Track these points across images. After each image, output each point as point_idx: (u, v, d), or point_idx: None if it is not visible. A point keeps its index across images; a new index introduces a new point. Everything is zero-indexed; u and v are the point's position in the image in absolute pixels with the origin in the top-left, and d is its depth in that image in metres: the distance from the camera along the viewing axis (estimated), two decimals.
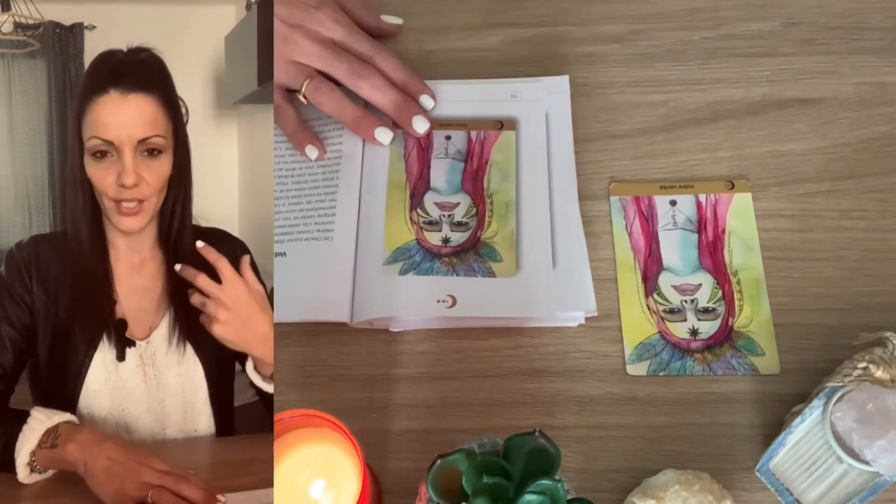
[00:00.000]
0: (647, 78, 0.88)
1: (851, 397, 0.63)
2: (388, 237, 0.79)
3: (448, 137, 0.85)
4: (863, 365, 0.64)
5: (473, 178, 0.83)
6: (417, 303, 0.76)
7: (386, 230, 0.80)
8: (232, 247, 0.86)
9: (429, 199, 0.82)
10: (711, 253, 0.79)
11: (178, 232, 0.81)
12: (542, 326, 0.76)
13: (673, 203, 0.82)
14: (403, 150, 0.84)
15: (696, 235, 0.80)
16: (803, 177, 0.82)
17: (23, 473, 0.68)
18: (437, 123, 0.85)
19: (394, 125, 0.84)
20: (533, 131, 0.84)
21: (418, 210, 0.81)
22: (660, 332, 0.76)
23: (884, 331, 0.65)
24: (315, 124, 0.87)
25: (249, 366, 0.76)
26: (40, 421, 0.69)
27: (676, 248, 0.79)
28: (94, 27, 2.68)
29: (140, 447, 0.69)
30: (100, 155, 0.74)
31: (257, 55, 1.89)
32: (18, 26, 2.50)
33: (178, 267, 0.72)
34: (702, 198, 0.82)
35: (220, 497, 0.64)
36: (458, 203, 0.81)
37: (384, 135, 0.83)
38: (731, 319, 0.76)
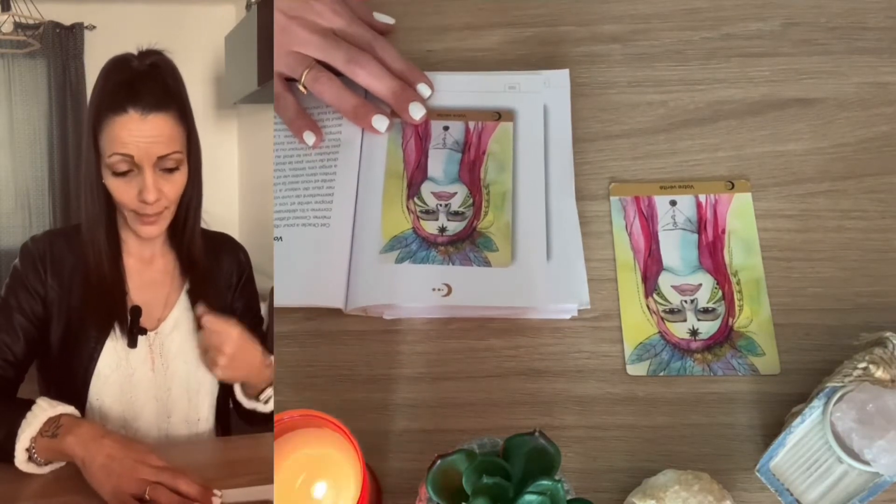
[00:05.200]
0: (647, 78, 0.88)
1: (851, 397, 0.63)
2: (384, 225, 0.80)
3: (446, 128, 0.85)
4: (863, 365, 0.64)
5: (470, 168, 0.83)
6: (413, 291, 0.77)
7: (383, 218, 0.81)
8: (236, 253, 0.87)
9: (426, 189, 0.82)
10: (711, 253, 0.79)
11: (190, 232, 0.83)
12: (539, 322, 0.76)
13: (673, 203, 0.82)
14: (401, 139, 0.85)
15: (696, 235, 0.80)
16: (803, 177, 0.82)
17: (21, 457, 0.69)
18: (436, 114, 0.86)
19: (392, 114, 0.85)
20: (531, 123, 0.85)
21: (415, 199, 0.82)
22: (660, 332, 0.76)
23: (884, 331, 0.66)
24: (314, 112, 0.88)
25: (237, 388, 0.80)
26: (43, 409, 0.70)
27: (676, 248, 0.79)
28: (94, 27, 2.68)
29: (138, 444, 0.70)
30: (121, 172, 0.76)
31: (257, 55, 1.89)
32: (18, 26, 2.49)
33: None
34: (702, 198, 0.82)
35: (216, 492, 0.65)
36: (455, 193, 0.82)
37: (381, 122, 0.84)
38: (731, 319, 0.76)
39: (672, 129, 0.86)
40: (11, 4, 2.33)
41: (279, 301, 0.78)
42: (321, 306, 0.77)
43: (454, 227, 0.80)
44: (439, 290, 0.76)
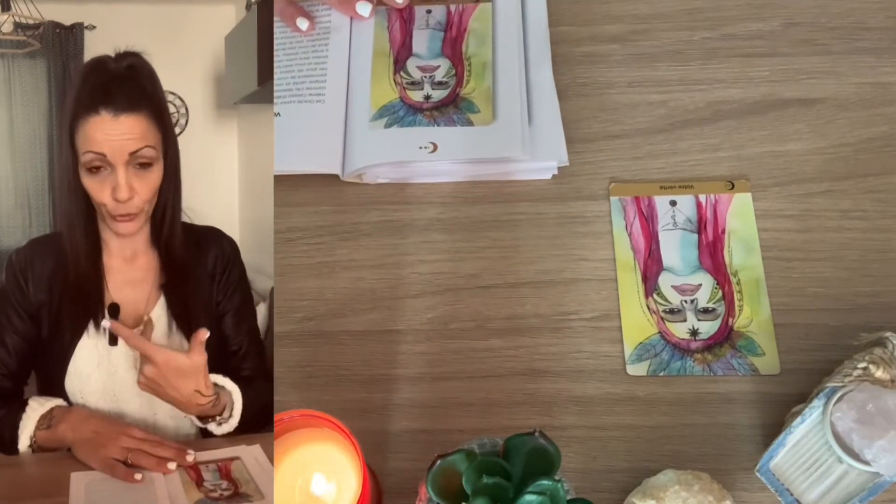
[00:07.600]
0: (647, 78, 0.88)
1: (851, 397, 0.63)
2: (373, 97, 0.88)
3: (429, 11, 0.94)
4: (863, 365, 0.64)
5: (453, 44, 0.91)
6: (401, 150, 0.84)
7: (372, 92, 0.88)
8: (220, 243, 0.87)
9: (411, 64, 0.90)
10: (711, 253, 0.79)
11: (168, 230, 0.83)
12: (540, 322, 0.76)
13: (673, 203, 0.82)
14: (387, 22, 0.93)
15: (696, 235, 0.80)
16: (803, 177, 0.82)
17: (25, 453, 0.76)
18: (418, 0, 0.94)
19: (378, 2, 0.92)
20: (508, 3, 0.92)
21: (401, 73, 0.90)
22: (660, 332, 0.76)
23: (884, 331, 0.66)
24: (304, 5, 0.95)
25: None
26: (34, 409, 0.76)
27: (676, 249, 0.79)
28: (94, 27, 2.68)
29: (121, 421, 0.78)
30: (94, 170, 0.77)
31: (257, 55, 1.89)
32: (18, 26, 2.49)
33: (105, 324, 0.78)
34: (702, 198, 0.82)
35: (189, 451, 0.72)
36: (439, 66, 0.90)
37: (364, 8, 0.91)
38: (731, 319, 0.76)
39: (672, 129, 0.86)
40: (11, 4, 2.33)
41: (280, 168, 0.84)
42: (319, 172, 0.84)
43: (438, 94, 0.87)
44: (425, 147, 0.83)
